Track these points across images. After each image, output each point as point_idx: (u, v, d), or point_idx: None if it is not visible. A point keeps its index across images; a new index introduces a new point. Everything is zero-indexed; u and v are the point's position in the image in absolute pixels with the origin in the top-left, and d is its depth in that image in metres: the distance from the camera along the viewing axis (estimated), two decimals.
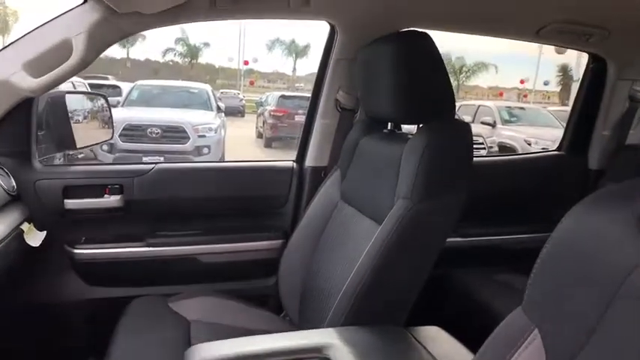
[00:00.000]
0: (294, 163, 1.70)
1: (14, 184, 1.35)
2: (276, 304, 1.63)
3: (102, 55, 1.32)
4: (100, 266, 1.50)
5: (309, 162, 1.67)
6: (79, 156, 1.50)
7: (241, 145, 10.50)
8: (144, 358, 1.13)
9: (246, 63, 34.83)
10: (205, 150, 6.26)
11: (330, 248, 1.33)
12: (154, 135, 6.10)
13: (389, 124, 1.36)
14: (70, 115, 1.50)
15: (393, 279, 1.07)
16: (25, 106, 1.34)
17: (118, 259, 1.50)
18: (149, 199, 1.53)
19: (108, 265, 1.50)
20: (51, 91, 1.35)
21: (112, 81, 13.07)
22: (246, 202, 1.65)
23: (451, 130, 1.13)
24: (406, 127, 1.44)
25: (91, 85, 6.05)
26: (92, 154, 5.75)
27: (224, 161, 1.73)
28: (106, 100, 1.73)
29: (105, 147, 5.94)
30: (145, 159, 5.88)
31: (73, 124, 1.52)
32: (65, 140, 1.50)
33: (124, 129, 6.01)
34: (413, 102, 1.14)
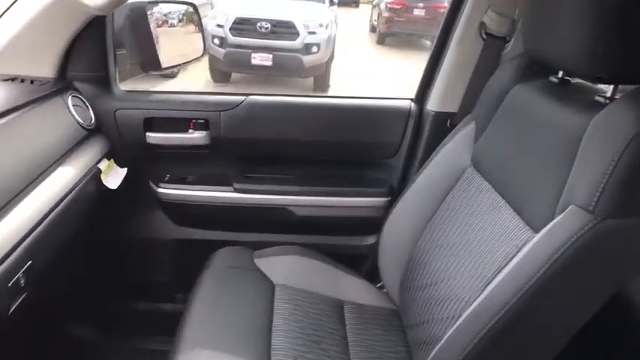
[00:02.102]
0: (412, 104, 1.34)
1: (92, 115, 1.21)
2: (373, 267, 1.40)
3: None
4: (185, 207, 1.36)
5: (432, 104, 1.30)
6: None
7: (352, 39, 9.87)
8: (224, 324, 1.02)
9: None
10: (314, 49, 5.88)
11: (451, 229, 1.01)
12: (263, 30, 5.81)
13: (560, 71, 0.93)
14: (152, 30, 1.28)
15: (547, 317, 0.75)
16: (98, 23, 1.15)
17: (203, 203, 1.35)
18: (237, 137, 1.32)
19: (193, 207, 1.36)
20: (131, 0, 1.13)
21: None
22: (349, 147, 1.37)
23: None
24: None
25: None
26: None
27: (324, 96, 1.43)
28: (196, 10, 1.47)
29: (216, 40, 5.84)
30: (254, 55, 5.72)
31: (157, 40, 1.30)
32: (148, 60, 1.30)
33: (234, 22, 5.79)
34: (630, 47, 0.71)
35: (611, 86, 0.78)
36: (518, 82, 0.98)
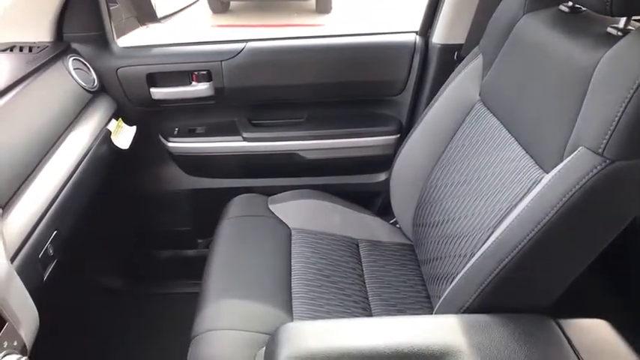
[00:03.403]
0: (417, 37, 1.30)
1: (94, 76, 1.20)
2: (384, 202, 1.44)
3: None
4: (197, 159, 1.39)
5: (437, 37, 1.26)
6: None
7: None
8: (246, 272, 1.07)
9: None
10: None
11: (461, 166, 1.02)
12: None
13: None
14: None
15: (557, 256, 0.77)
16: None
17: (214, 153, 1.37)
18: (241, 86, 1.31)
19: (204, 158, 1.38)
20: None
21: None
22: (354, 86, 1.34)
23: None
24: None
25: None
26: None
27: (326, 36, 1.35)
28: None
29: None
30: None
31: None
32: (144, 11, 1.27)
33: None
34: None
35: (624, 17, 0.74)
36: (527, 12, 0.94)
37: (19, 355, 0.67)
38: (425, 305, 1.06)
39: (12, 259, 0.74)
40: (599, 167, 0.66)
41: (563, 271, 0.78)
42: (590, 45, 0.75)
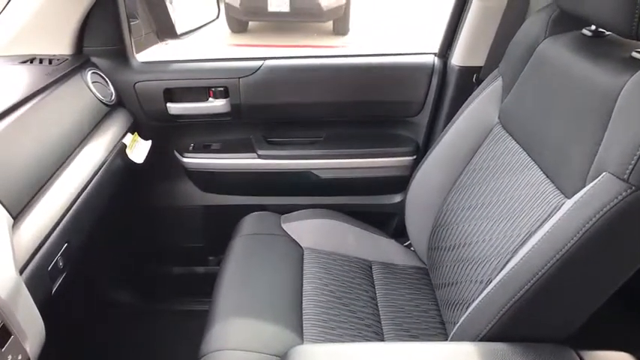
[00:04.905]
0: (436, 58, 1.29)
1: (112, 90, 1.21)
2: (399, 225, 1.41)
3: None
4: (211, 175, 1.38)
5: (456, 59, 1.25)
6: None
7: None
8: (257, 291, 1.05)
9: None
10: None
11: (479, 190, 1.00)
12: None
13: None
14: None
15: (578, 285, 0.74)
16: None
17: (228, 170, 1.37)
18: (258, 103, 1.31)
19: (219, 174, 1.38)
20: None
21: None
22: (371, 106, 1.34)
23: None
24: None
25: None
26: None
27: (344, 55, 1.36)
28: None
29: None
30: (270, 2, 5.52)
31: (170, 6, 1.27)
32: (163, 27, 1.28)
33: None
34: None
35: None
36: (549, 35, 0.93)
37: None
38: (439, 331, 1.03)
39: (21, 271, 0.73)
40: (624, 194, 0.64)
41: (584, 301, 0.75)
42: (614, 69, 0.74)
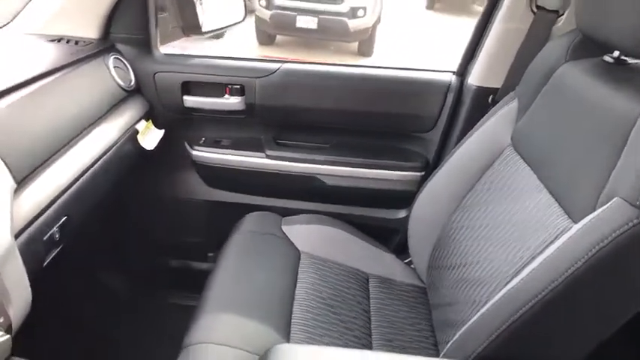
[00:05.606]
0: (454, 76, 1.29)
1: (132, 77, 1.23)
2: (402, 241, 1.39)
3: None
4: (218, 170, 1.39)
5: (474, 79, 1.24)
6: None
7: (399, 3, 9.49)
8: (248, 288, 1.04)
9: None
10: (360, 12, 5.70)
11: (485, 210, 0.98)
12: None
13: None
14: None
15: (581, 313, 0.72)
16: None
17: (236, 167, 1.37)
18: (272, 104, 1.31)
19: (226, 170, 1.38)
20: None
21: None
22: (384, 118, 1.33)
23: None
24: None
25: None
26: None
27: (361, 66, 1.38)
28: None
29: (263, 2, 5.78)
30: (299, 18, 5.63)
31: (199, 4, 1.30)
32: (189, 23, 1.30)
33: None
34: None
35: None
36: (568, 60, 0.92)
37: (1, 332, 0.65)
38: (431, 352, 1.00)
39: (16, 236, 0.73)
40: (635, 220, 0.62)
41: (586, 332, 0.72)
42: (633, 96, 0.73)
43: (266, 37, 6.31)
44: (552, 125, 0.90)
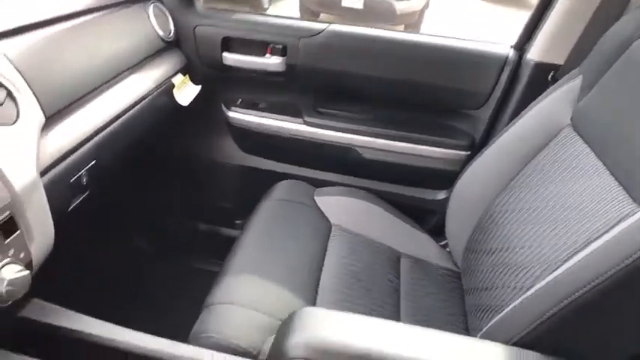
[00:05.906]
0: (512, 50, 1.19)
1: (172, 27, 1.19)
2: (438, 223, 1.32)
3: None
4: (253, 134, 1.34)
5: (533, 53, 1.14)
6: None
7: None
8: (275, 254, 1.00)
9: None
10: None
11: (535, 192, 0.90)
12: None
13: None
14: None
15: (635, 309, 0.64)
16: None
17: (272, 132, 1.32)
18: (315, 67, 1.25)
19: (261, 135, 1.33)
20: None
21: None
22: (432, 91, 1.25)
23: None
24: None
25: None
26: None
27: (412, 32, 1.29)
28: None
29: None
30: None
31: None
32: None
33: None
34: None
35: None
36: None
37: (21, 267, 0.63)
38: None
39: (42, 174, 0.71)
40: None
41: (628, 329, 0.65)
42: None
43: (309, 14, 6.22)
44: (622, 103, 0.80)
